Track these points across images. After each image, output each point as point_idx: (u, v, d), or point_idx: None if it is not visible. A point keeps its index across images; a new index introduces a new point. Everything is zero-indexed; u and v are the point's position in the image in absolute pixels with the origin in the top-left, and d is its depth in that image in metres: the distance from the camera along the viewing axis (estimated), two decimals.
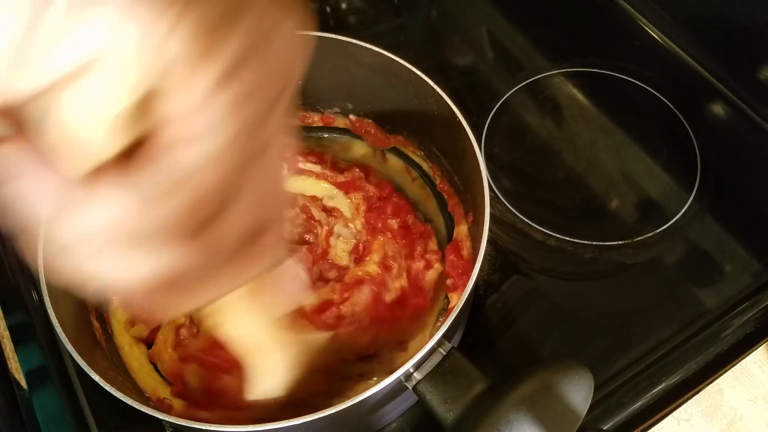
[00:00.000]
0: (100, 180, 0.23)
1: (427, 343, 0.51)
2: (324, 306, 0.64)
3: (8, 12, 0.20)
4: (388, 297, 0.66)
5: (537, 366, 0.49)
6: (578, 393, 0.47)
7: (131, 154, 0.23)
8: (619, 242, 0.78)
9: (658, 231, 0.79)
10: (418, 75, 0.67)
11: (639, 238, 0.78)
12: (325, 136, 0.83)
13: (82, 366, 0.53)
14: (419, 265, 0.70)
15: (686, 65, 0.93)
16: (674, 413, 0.69)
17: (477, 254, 0.57)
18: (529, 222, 0.80)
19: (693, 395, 0.69)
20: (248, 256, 0.29)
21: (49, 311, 0.56)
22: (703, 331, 0.72)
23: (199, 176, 0.23)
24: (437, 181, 0.77)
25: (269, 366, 0.51)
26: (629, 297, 0.76)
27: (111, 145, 0.23)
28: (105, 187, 0.23)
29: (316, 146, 0.82)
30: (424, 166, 0.79)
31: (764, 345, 0.72)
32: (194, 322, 0.66)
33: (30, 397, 0.72)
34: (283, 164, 0.30)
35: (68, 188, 0.23)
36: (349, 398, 0.50)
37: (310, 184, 0.76)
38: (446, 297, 0.71)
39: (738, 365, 0.71)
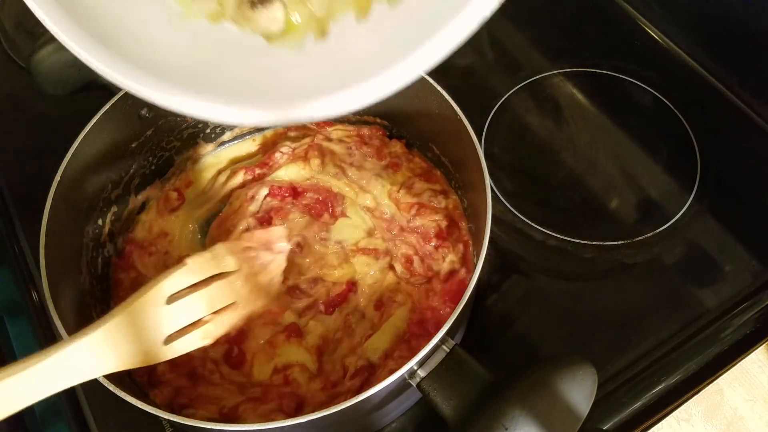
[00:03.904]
0: None
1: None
2: None
3: None
4: None
5: (541, 362, 0.49)
6: (582, 388, 0.47)
7: None
8: (619, 242, 0.78)
9: (658, 231, 0.79)
10: None
11: (639, 238, 0.78)
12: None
13: None
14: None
15: (686, 65, 0.93)
16: (674, 413, 0.69)
17: (479, 254, 0.57)
18: (529, 222, 0.80)
19: (693, 395, 0.69)
20: None
21: (49, 310, 0.55)
22: (703, 331, 0.72)
23: None
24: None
25: None
26: (629, 297, 0.76)
27: None
28: None
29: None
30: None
31: (764, 345, 0.72)
32: None
33: None
34: None
35: None
36: (351, 398, 0.50)
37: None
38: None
39: (738, 365, 0.71)
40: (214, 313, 0.58)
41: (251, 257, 0.63)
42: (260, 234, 0.66)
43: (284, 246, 0.65)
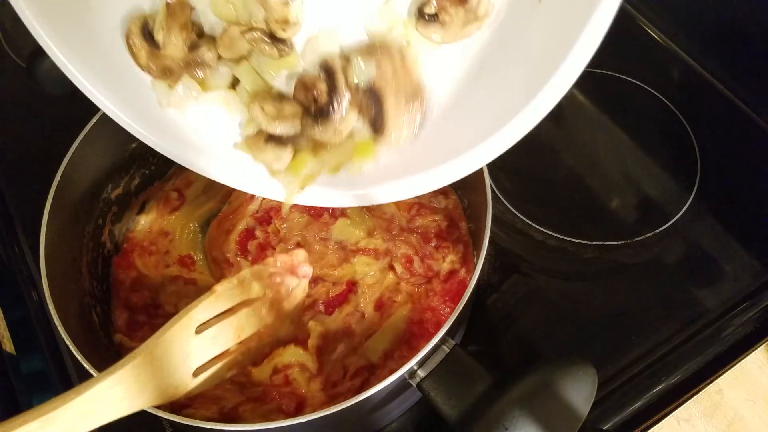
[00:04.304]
0: None
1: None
2: None
3: None
4: None
5: (541, 362, 0.49)
6: (582, 389, 0.47)
7: None
8: (619, 242, 0.78)
9: (658, 231, 0.79)
10: None
11: (639, 238, 0.78)
12: None
13: (82, 363, 0.52)
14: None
15: (686, 65, 0.93)
16: (674, 413, 0.69)
17: (479, 254, 0.57)
18: (529, 222, 0.80)
19: (693, 395, 0.69)
20: None
21: (49, 310, 0.55)
22: (703, 331, 0.73)
23: None
24: None
25: None
26: (629, 297, 0.76)
27: None
28: None
29: None
30: None
31: (764, 345, 0.72)
32: None
33: (30, 396, 0.72)
34: None
35: None
36: (351, 397, 0.50)
37: None
38: None
39: (738, 365, 0.71)
40: (240, 343, 0.57)
41: (277, 283, 0.61)
42: (284, 258, 0.64)
43: (308, 270, 0.64)
